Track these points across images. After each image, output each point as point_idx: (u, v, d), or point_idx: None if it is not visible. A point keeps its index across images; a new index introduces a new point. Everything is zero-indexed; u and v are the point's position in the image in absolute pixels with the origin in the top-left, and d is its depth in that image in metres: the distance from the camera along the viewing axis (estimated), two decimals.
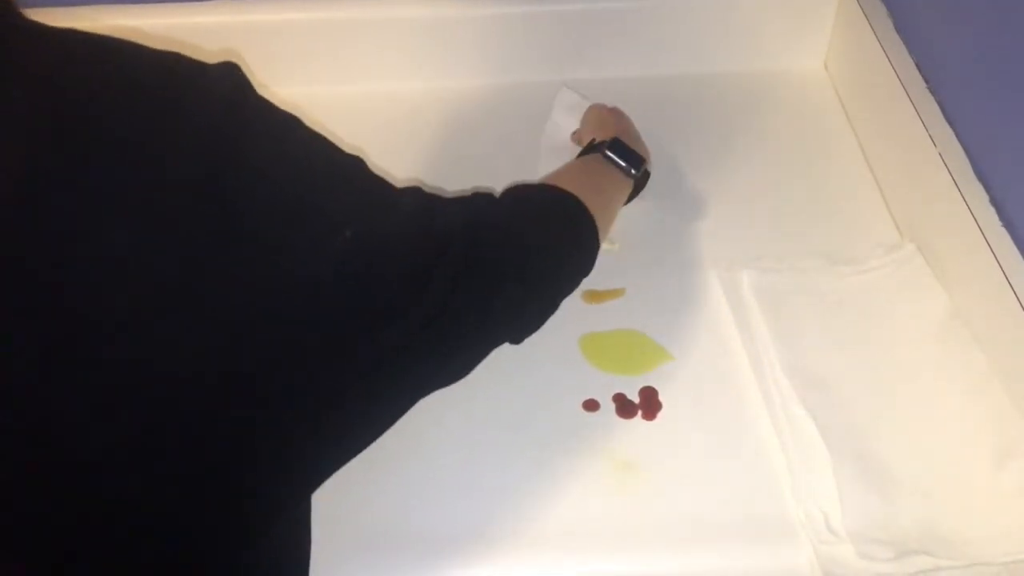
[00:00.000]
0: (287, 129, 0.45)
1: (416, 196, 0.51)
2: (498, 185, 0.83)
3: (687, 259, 0.77)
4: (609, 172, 0.72)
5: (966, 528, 0.58)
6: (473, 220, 0.51)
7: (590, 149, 0.75)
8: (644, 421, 0.65)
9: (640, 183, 0.75)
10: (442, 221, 0.49)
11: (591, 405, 0.66)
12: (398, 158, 0.89)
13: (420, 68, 0.96)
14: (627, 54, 0.96)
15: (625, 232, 0.79)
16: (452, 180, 0.86)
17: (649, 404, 0.66)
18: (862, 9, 0.87)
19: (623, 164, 0.72)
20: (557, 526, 0.60)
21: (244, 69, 0.43)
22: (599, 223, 0.63)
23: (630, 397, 0.66)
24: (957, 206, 0.68)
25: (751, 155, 0.88)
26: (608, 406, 0.66)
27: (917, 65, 0.79)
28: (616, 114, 0.82)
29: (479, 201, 0.55)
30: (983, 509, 0.59)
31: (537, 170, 0.84)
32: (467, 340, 0.51)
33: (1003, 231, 0.65)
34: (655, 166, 0.87)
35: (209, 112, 0.39)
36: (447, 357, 0.50)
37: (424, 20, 0.92)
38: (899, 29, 0.83)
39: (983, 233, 0.65)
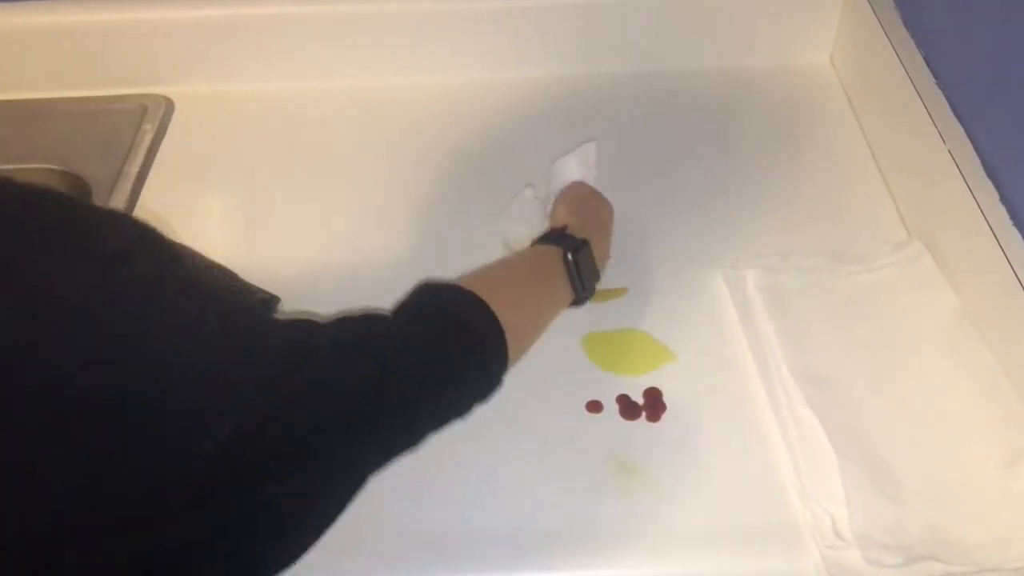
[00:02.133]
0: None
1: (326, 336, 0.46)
2: (493, 189, 0.83)
3: (691, 257, 0.76)
4: (558, 280, 0.63)
5: (975, 533, 0.57)
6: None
7: (554, 238, 0.66)
8: (648, 423, 0.64)
9: (583, 298, 0.66)
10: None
11: (594, 406, 0.65)
12: (400, 155, 0.88)
13: (418, 63, 0.95)
14: (630, 49, 0.95)
15: (628, 230, 0.78)
16: (453, 178, 0.85)
17: (653, 405, 0.65)
18: (869, 2, 0.86)
19: (576, 284, 0.64)
20: (560, 529, 0.59)
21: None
22: (519, 344, 0.57)
23: (634, 398, 0.65)
24: (966, 204, 0.67)
25: (756, 151, 0.87)
26: (612, 407, 0.65)
27: (925, 60, 0.77)
28: (597, 201, 0.73)
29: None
30: (993, 513, 0.58)
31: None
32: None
33: (1014, 230, 0.64)
34: (657, 163, 0.86)
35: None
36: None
37: (420, 14, 0.91)
38: (907, 23, 0.82)
39: (993, 231, 0.64)
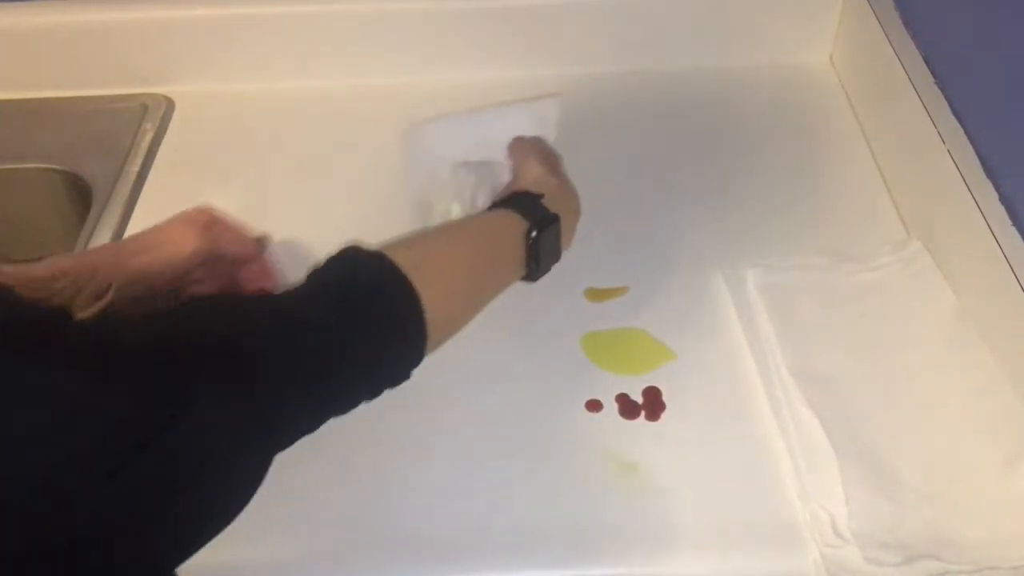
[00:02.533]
0: None
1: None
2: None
3: (691, 257, 0.76)
4: (510, 256, 0.57)
5: (975, 532, 0.57)
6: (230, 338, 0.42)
7: (523, 205, 0.59)
8: (648, 422, 0.64)
9: (536, 268, 0.59)
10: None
11: (594, 405, 0.65)
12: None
13: (419, 62, 0.95)
14: (629, 49, 0.95)
15: (627, 229, 0.78)
16: None
17: (653, 405, 0.65)
18: (869, 2, 0.86)
19: (531, 265, 0.58)
20: (559, 529, 0.59)
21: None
22: (443, 331, 0.52)
23: (633, 397, 0.65)
24: (966, 204, 0.67)
25: (755, 151, 0.86)
26: (611, 406, 0.65)
27: (925, 59, 0.77)
28: (555, 162, 0.67)
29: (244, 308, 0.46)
30: (992, 513, 0.58)
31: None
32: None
33: (1013, 230, 0.64)
34: (656, 162, 0.86)
35: None
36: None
37: (422, 13, 0.91)
38: (906, 22, 0.82)
39: (992, 231, 0.64)
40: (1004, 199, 0.65)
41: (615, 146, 0.88)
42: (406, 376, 0.50)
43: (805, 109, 0.91)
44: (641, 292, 0.73)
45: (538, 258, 0.58)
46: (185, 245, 0.61)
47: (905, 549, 0.56)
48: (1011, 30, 0.66)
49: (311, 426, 0.46)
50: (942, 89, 0.74)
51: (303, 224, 0.81)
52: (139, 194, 0.84)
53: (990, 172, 0.67)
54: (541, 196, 0.60)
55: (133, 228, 0.81)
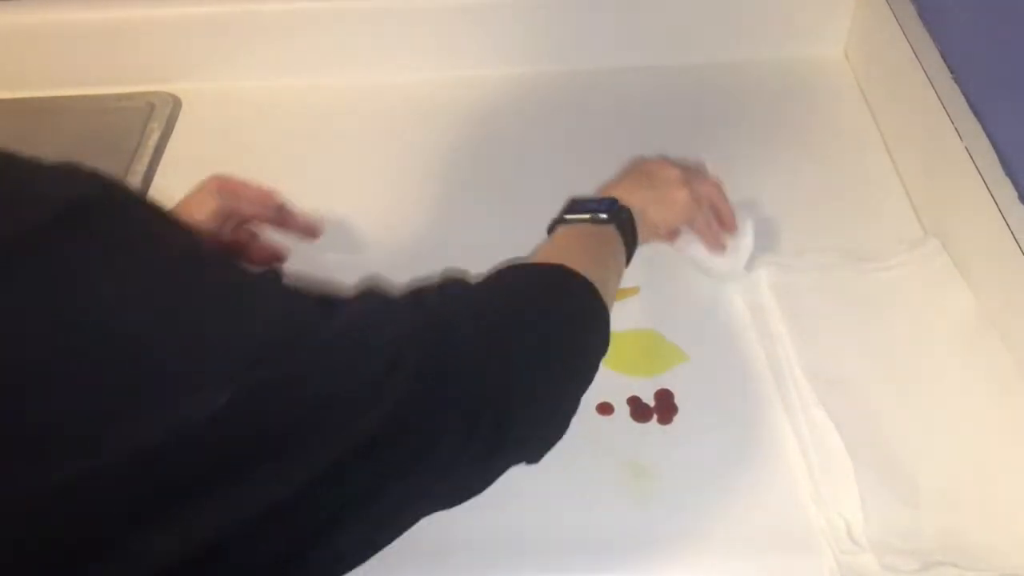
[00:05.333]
0: (154, 248, 0.36)
1: (353, 308, 0.42)
2: (502, 186, 0.82)
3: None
4: (588, 231, 0.62)
5: (993, 538, 0.56)
6: (436, 323, 0.43)
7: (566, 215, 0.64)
8: (659, 425, 0.64)
9: (630, 233, 0.64)
10: (391, 330, 0.41)
11: (605, 408, 0.64)
12: (409, 151, 0.87)
13: (427, 59, 0.95)
14: (641, 43, 0.94)
15: None
16: (463, 174, 0.84)
17: (664, 407, 0.64)
18: None
19: (585, 216, 0.62)
20: (569, 533, 0.59)
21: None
22: (604, 296, 0.54)
23: (645, 400, 0.65)
24: (983, 201, 0.66)
25: (768, 147, 0.85)
26: (622, 409, 0.64)
27: (942, 54, 0.76)
28: (637, 171, 0.70)
29: (448, 294, 0.47)
30: (1012, 518, 0.57)
31: None
32: (453, 471, 0.44)
33: None
34: (665, 157, 0.85)
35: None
36: (433, 484, 0.43)
37: (428, 9, 0.91)
38: (923, 16, 0.80)
39: (1011, 229, 0.63)
40: (1023, 196, 0.64)
41: (626, 142, 0.86)
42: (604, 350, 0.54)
43: (819, 104, 0.90)
44: (653, 292, 0.72)
45: (586, 208, 0.63)
46: (204, 207, 0.65)
47: (922, 555, 0.55)
48: None
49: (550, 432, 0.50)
50: (959, 84, 0.73)
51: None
52: (146, 193, 0.84)
53: (1009, 169, 0.66)
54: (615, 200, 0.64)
55: None
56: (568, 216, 0.63)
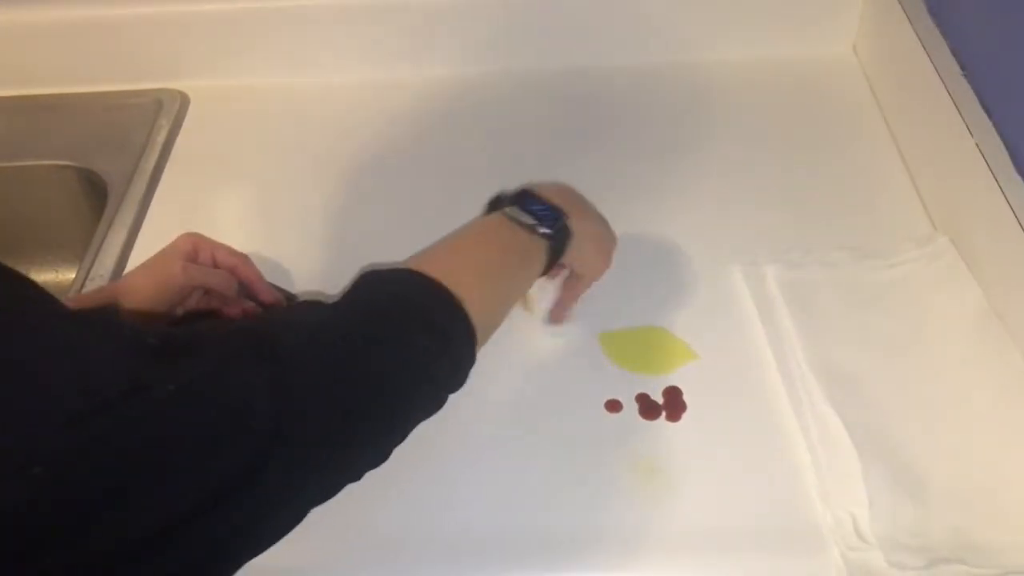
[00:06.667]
0: None
1: (200, 360, 0.39)
2: (509, 185, 0.82)
3: (710, 253, 0.75)
4: (513, 234, 0.58)
5: (1002, 535, 0.56)
6: (281, 380, 0.41)
7: (492, 207, 0.62)
8: (668, 422, 0.64)
9: (557, 255, 0.60)
10: (235, 383, 0.39)
11: (614, 406, 0.65)
12: (417, 149, 0.87)
13: (434, 57, 0.94)
14: (647, 40, 0.94)
15: (646, 225, 0.77)
16: (469, 173, 0.84)
17: (673, 405, 0.64)
18: None
19: (529, 221, 0.58)
20: (578, 530, 0.59)
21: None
22: (484, 314, 0.52)
23: (653, 397, 0.65)
24: (994, 198, 0.66)
25: (776, 143, 0.85)
26: (631, 406, 0.65)
27: (952, 49, 0.76)
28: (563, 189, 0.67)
29: (297, 336, 0.44)
30: (1019, 515, 0.57)
31: None
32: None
33: None
34: (675, 156, 0.85)
35: None
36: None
37: (437, 8, 0.91)
38: (932, 11, 0.80)
39: (1022, 226, 0.63)
40: None
41: (633, 139, 0.87)
42: (464, 380, 0.51)
43: (828, 101, 0.89)
44: (660, 289, 0.72)
45: (533, 211, 0.59)
46: (170, 279, 0.61)
47: (929, 552, 0.55)
48: None
49: (375, 458, 0.47)
50: (970, 80, 0.73)
51: (319, 219, 0.81)
52: (155, 190, 0.84)
53: (1019, 165, 0.66)
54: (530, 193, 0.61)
55: (149, 225, 0.81)
56: (509, 211, 0.59)
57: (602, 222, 0.66)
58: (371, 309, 0.49)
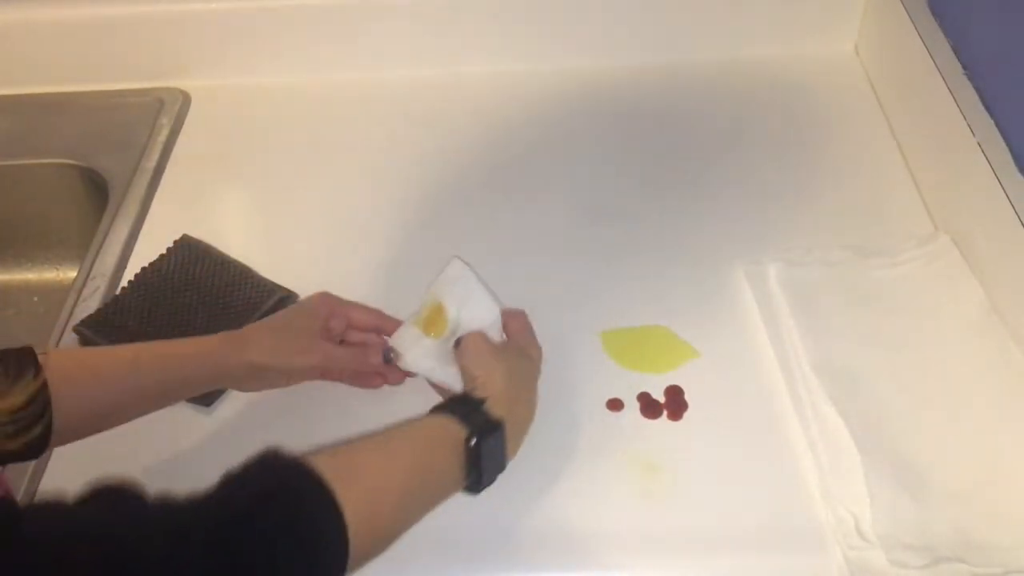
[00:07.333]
0: None
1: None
2: (511, 184, 0.82)
3: (712, 252, 0.75)
4: (447, 468, 0.53)
5: (1003, 534, 0.56)
6: None
7: (451, 407, 0.56)
8: (670, 421, 0.64)
9: (485, 460, 0.55)
10: None
11: (615, 404, 0.65)
12: (419, 147, 0.87)
13: (437, 55, 0.94)
14: (649, 40, 0.94)
15: (647, 223, 0.78)
16: (472, 171, 0.84)
17: (675, 404, 0.64)
18: None
19: (475, 475, 0.54)
20: (579, 529, 0.59)
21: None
22: (371, 548, 0.49)
23: (655, 396, 0.65)
24: (995, 197, 0.66)
25: (778, 143, 0.85)
26: (632, 405, 0.65)
27: (953, 49, 0.76)
28: (527, 356, 0.63)
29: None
30: (1020, 514, 0.57)
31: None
32: None
33: None
34: (677, 156, 0.85)
35: None
36: None
37: (440, 5, 0.91)
38: (934, 11, 0.80)
39: (1023, 225, 0.63)
40: None
41: (635, 140, 0.87)
42: None
43: (829, 100, 0.89)
44: (662, 288, 0.72)
45: (480, 468, 0.54)
46: (309, 358, 0.63)
47: (931, 551, 0.55)
48: None
49: None
50: (971, 80, 0.73)
51: (320, 217, 0.81)
52: (156, 189, 0.84)
53: (1021, 164, 0.66)
54: (483, 401, 0.56)
55: (150, 223, 0.81)
56: (437, 409, 0.56)
57: (531, 372, 0.62)
58: (242, 502, 0.44)
